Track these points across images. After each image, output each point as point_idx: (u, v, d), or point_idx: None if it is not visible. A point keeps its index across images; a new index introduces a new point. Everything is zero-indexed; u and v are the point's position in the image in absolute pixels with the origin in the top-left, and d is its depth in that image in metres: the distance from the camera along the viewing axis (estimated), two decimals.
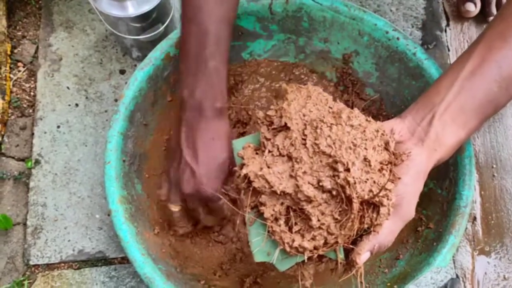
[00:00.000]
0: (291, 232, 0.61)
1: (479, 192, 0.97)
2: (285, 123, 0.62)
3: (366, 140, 0.59)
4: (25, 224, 0.94)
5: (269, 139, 0.63)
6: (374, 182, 0.58)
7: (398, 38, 0.83)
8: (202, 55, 0.70)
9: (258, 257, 0.64)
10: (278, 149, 0.61)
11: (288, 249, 0.61)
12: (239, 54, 0.92)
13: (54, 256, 0.92)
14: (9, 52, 1.04)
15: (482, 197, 0.97)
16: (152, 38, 0.95)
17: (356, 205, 0.57)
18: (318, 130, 0.59)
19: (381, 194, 0.57)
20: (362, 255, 0.60)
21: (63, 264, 0.93)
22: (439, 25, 1.09)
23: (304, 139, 0.60)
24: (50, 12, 1.07)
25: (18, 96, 1.02)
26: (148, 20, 0.91)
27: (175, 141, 0.75)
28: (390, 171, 0.59)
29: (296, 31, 0.89)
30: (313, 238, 0.60)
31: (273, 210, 0.61)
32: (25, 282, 0.90)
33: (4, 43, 1.03)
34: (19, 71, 1.04)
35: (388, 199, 0.58)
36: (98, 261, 0.93)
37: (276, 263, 0.63)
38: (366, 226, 0.59)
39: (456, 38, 1.08)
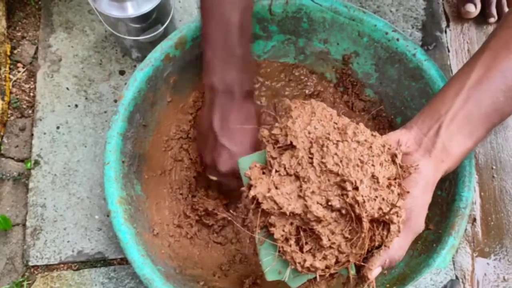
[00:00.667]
0: (302, 252, 0.60)
1: (479, 193, 0.97)
2: (291, 142, 0.60)
3: (373, 156, 0.58)
4: (24, 225, 0.94)
5: (275, 158, 0.61)
6: (383, 199, 0.57)
7: (397, 39, 0.83)
8: (229, 44, 0.75)
9: (270, 277, 0.63)
10: (285, 168, 0.60)
11: (299, 269, 0.60)
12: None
13: (53, 257, 0.92)
14: (8, 53, 1.04)
15: (482, 198, 0.97)
16: (151, 39, 0.94)
17: (366, 224, 0.56)
18: (325, 148, 0.58)
19: (391, 212, 0.57)
20: (374, 271, 0.60)
21: (62, 265, 0.92)
22: (439, 26, 1.09)
23: (311, 158, 0.59)
24: (50, 12, 1.07)
25: (18, 96, 1.02)
26: (148, 20, 0.91)
27: (207, 126, 0.78)
28: (399, 185, 0.59)
29: (295, 32, 0.89)
30: (324, 258, 0.59)
31: (283, 230, 0.60)
32: (24, 283, 0.90)
33: (4, 43, 1.02)
34: (19, 71, 1.03)
35: (398, 216, 0.57)
36: (97, 262, 0.93)
37: (288, 281, 0.63)
38: (377, 243, 0.59)
39: (456, 39, 1.08)
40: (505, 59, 0.62)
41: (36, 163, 0.97)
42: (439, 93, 0.66)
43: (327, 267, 0.59)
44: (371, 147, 0.59)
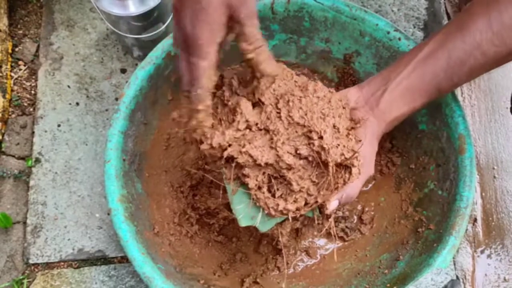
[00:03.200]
0: (274, 198, 0.66)
1: (480, 194, 0.97)
2: (259, 99, 0.66)
3: (332, 109, 0.66)
4: (25, 223, 0.94)
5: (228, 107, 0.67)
6: (344, 146, 0.65)
7: (399, 39, 0.83)
8: None
9: (243, 222, 0.68)
10: (256, 124, 0.66)
11: (273, 212, 0.66)
12: (240, 54, 0.92)
13: (53, 255, 0.92)
14: (10, 51, 1.04)
15: (483, 199, 0.97)
16: (153, 37, 0.94)
17: (332, 168, 0.64)
18: (290, 103, 0.64)
19: (352, 157, 0.65)
20: (332, 202, 0.66)
21: (62, 263, 0.92)
22: (440, 25, 1.08)
23: (279, 112, 0.65)
24: (51, 10, 1.07)
25: (19, 94, 1.02)
26: (149, 19, 0.91)
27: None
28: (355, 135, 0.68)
29: (297, 31, 0.89)
30: (295, 201, 0.66)
31: (256, 180, 0.66)
32: (25, 281, 0.90)
33: (5, 41, 1.02)
34: (20, 69, 1.03)
35: (357, 160, 0.65)
36: (97, 260, 0.93)
37: (259, 226, 0.68)
38: (340, 185, 0.66)
39: None
40: (454, 39, 0.67)
41: (37, 161, 0.97)
42: (394, 62, 0.72)
43: (297, 209, 0.66)
44: (330, 101, 0.67)
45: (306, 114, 0.64)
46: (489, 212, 0.96)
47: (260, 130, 0.66)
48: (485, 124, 1.03)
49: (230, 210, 0.88)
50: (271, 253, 0.88)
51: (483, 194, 0.97)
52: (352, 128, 0.69)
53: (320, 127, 0.64)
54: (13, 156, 0.98)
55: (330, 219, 0.70)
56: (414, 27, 1.08)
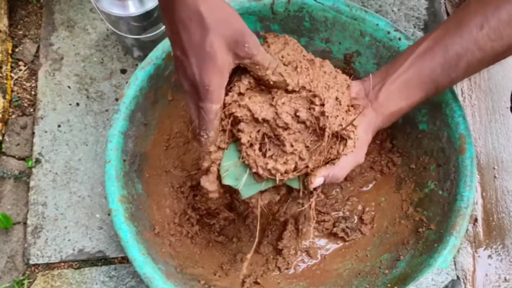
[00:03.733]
0: (265, 157, 0.67)
1: (481, 193, 0.97)
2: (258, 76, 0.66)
3: (337, 84, 0.68)
4: (25, 224, 0.94)
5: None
6: (343, 118, 0.66)
7: (399, 39, 0.83)
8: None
9: (227, 180, 0.68)
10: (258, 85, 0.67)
11: (261, 171, 0.66)
12: None
13: (54, 256, 0.92)
14: (10, 51, 1.04)
15: (484, 199, 0.97)
16: (153, 37, 0.94)
17: (327, 134, 0.65)
18: (298, 69, 0.66)
19: (349, 128, 0.66)
20: (317, 178, 0.67)
21: (63, 264, 0.92)
22: None
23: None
24: (51, 11, 1.07)
25: (19, 95, 1.02)
26: (149, 19, 0.91)
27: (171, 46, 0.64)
28: (355, 111, 0.70)
29: (297, 31, 0.88)
30: (285, 162, 0.66)
31: (250, 136, 0.66)
32: (25, 282, 0.90)
33: (6, 42, 1.02)
34: (20, 70, 1.03)
35: (354, 133, 0.67)
36: (98, 260, 0.93)
37: (242, 189, 0.69)
38: (332, 156, 0.67)
39: None
40: (451, 35, 0.67)
41: (37, 161, 0.97)
42: (395, 58, 0.73)
43: (286, 171, 0.66)
44: (336, 77, 0.69)
45: (312, 81, 0.66)
46: (490, 212, 0.96)
47: (262, 90, 0.67)
48: (486, 124, 1.03)
49: (230, 210, 0.89)
50: (272, 253, 0.88)
51: (484, 194, 0.97)
52: (353, 106, 0.70)
53: (324, 95, 0.65)
54: (13, 156, 0.98)
55: (312, 198, 0.71)
56: (415, 27, 1.08)
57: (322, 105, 0.64)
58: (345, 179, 0.91)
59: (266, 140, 0.67)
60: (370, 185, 0.91)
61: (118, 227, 0.73)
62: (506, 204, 0.97)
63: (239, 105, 0.65)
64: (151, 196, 0.85)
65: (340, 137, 0.67)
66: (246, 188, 0.69)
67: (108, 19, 0.92)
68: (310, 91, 0.65)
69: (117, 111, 0.78)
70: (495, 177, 0.98)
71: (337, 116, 0.66)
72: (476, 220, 0.96)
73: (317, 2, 0.83)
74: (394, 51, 0.84)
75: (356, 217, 0.90)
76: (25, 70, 1.04)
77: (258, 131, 0.66)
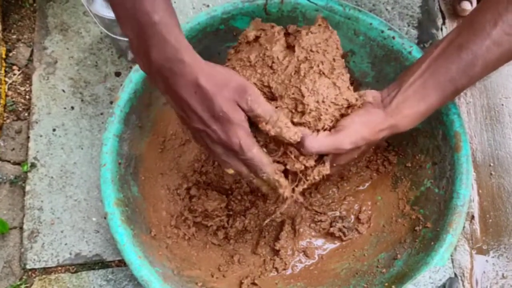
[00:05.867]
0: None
1: (477, 191, 0.97)
2: (293, 45, 0.70)
3: (333, 103, 0.68)
4: (21, 228, 0.93)
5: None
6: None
7: (393, 37, 0.83)
8: (145, 16, 0.60)
9: None
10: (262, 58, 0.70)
11: None
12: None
13: (51, 260, 0.92)
14: (4, 56, 1.03)
15: (480, 196, 0.97)
16: None
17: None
18: (311, 70, 0.68)
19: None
20: (294, 128, 0.66)
21: (60, 268, 0.92)
22: (435, 23, 1.09)
23: (297, 71, 0.68)
24: (45, 15, 1.06)
25: (14, 99, 1.01)
26: None
27: (181, 122, 0.68)
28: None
29: None
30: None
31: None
32: (22, 287, 0.90)
33: None
34: (14, 74, 1.03)
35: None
36: (95, 264, 0.92)
37: None
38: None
39: None
40: (465, 34, 0.67)
41: (33, 165, 0.96)
42: (412, 64, 0.74)
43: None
44: (339, 94, 0.69)
45: (313, 90, 0.67)
46: (486, 209, 0.96)
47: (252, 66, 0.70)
48: (481, 121, 1.03)
49: (228, 211, 0.89)
50: (269, 254, 0.88)
51: (480, 191, 0.97)
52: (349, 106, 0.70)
53: (312, 105, 0.67)
54: (9, 161, 0.98)
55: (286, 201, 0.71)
56: (409, 26, 1.08)
57: (303, 113, 0.67)
58: (341, 178, 0.91)
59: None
60: (367, 184, 0.91)
61: (114, 230, 0.73)
62: (503, 201, 0.97)
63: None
64: (147, 199, 0.85)
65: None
66: None
67: (101, 22, 0.91)
68: (302, 97, 0.66)
69: (112, 114, 0.78)
70: (491, 174, 0.98)
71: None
72: (472, 217, 0.96)
73: (311, 2, 0.83)
74: (388, 50, 0.84)
75: (352, 217, 0.90)
76: (19, 75, 1.03)
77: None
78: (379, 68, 0.87)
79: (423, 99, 0.69)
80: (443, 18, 1.09)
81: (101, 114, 1.00)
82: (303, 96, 0.66)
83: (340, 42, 0.73)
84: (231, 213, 0.89)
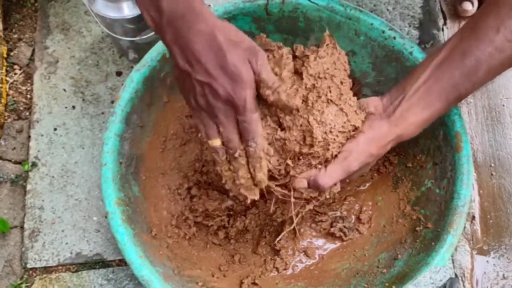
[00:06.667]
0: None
1: (478, 191, 0.97)
2: (300, 71, 0.69)
3: (341, 132, 0.68)
4: (22, 227, 0.94)
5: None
6: (334, 140, 0.68)
7: (394, 38, 0.83)
8: None
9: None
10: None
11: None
12: None
13: (51, 259, 0.92)
14: (5, 55, 1.03)
15: (481, 196, 0.97)
16: (148, 39, 0.94)
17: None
18: (319, 100, 0.67)
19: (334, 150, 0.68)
20: (299, 179, 0.68)
21: (60, 267, 0.92)
22: (436, 24, 1.09)
23: (305, 100, 0.67)
24: (46, 14, 1.07)
25: (15, 99, 1.01)
26: (144, 21, 0.90)
27: (177, 71, 0.65)
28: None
29: (292, 31, 0.88)
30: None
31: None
32: (23, 286, 0.90)
33: (0, 45, 1.02)
34: (16, 73, 1.03)
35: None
36: (95, 263, 0.92)
37: None
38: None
39: None
40: (467, 40, 0.67)
41: (34, 165, 0.96)
42: (413, 69, 0.73)
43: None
44: (346, 121, 0.68)
45: (320, 120, 0.67)
46: (487, 209, 0.96)
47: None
48: (482, 121, 1.03)
49: (229, 210, 0.89)
50: (270, 254, 0.88)
51: (481, 192, 0.97)
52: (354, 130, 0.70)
53: (318, 135, 0.66)
54: (10, 160, 0.98)
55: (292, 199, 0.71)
56: (410, 26, 1.08)
57: (312, 145, 0.66)
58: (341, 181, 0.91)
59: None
60: (367, 184, 0.91)
61: (115, 230, 0.73)
62: (503, 201, 0.97)
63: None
64: (148, 199, 0.85)
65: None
66: None
67: (103, 22, 0.91)
68: (308, 128, 0.66)
69: (113, 114, 0.78)
70: (492, 174, 0.98)
71: (327, 140, 0.67)
72: (473, 218, 0.96)
73: (312, 2, 0.83)
74: (389, 50, 0.84)
75: (353, 217, 0.90)
76: (20, 74, 1.03)
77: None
78: (380, 68, 0.87)
79: (427, 106, 0.69)
80: (444, 19, 1.09)
81: (102, 113, 1.00)
82: (311, 128, 0.66)
83: (348, 62, 0.73)
84: (231, 213, 0.89)
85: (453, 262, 0.93)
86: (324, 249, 0.89)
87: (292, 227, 0.75)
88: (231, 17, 0.84)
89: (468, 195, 0.74)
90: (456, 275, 0.92)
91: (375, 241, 0.86)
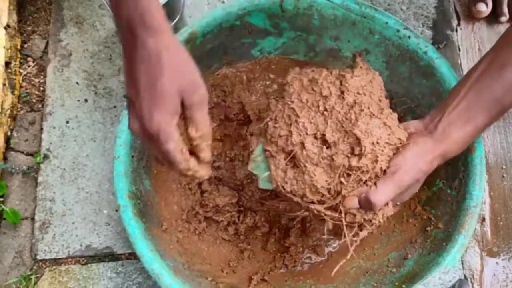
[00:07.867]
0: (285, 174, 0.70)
1: (488, 193, 0.97)
2: (342, 92, 0.69)
3: (388, 143, 0.67)
4: (33, 219, 0.94)
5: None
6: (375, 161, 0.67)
7: (409, 37, 0.82)
8: None
9: (251, 167, 0.74)
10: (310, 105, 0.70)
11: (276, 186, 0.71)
12: (249, 51, 0.92)
13: (61, 251, 0.92)
14: (19, 47, 1.04)
15: (491, 198, 0.97)
16: None
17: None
18: (362, 113, 0.67)
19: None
20: (350, 197, 0.66)
21: (70, 259, 0.93)
22: (450, 24, 1.08)
23: (348, 116, 0.68)
24: (60, 7, 1.07)
25: (28, 91, 1.02)
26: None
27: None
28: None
29: (306, 28, 0.88)
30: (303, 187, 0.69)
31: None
32: (33, 277, 0.91)
33: (14, 38, 1.03)
34: (29, 66, 1.04)
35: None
36: (105, 256, 0.93)
37: (260, 180, 0.74)
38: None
39: (467, 38, 1.08)
40: (505, 51, 0.67)
41: (46, 157, 0.97)
42: (451, 89, 0.73)
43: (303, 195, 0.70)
44: (390, 134, 0.68)
45: (366, 131, 0.67)
46: (498, 211, 0.96)
47: (312, 107, 0.70)
48: (494, 123, 1.02)
49: (239, 206, 0.89)
50: (279, 250, 0.88)
51: (492, 193, 0.97)
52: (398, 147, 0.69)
53: (368, 148, 0.66)
54: (22, 152, 0.98)
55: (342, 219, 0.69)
56: (423, 26, 1.07)
57: (360, 156, 0.66)
58: None
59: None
60: None
61: (126, 223, 0.74)
62: None
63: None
64: (159, 193, 0.86)
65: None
66: (264, 182, 0.73)
67: None
68: (357, 141, 0.66)
69: (126, 107, 0.78)
70: (503, 176, 0.98)
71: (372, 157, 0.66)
72: (483, 219, 0.95)
73: (327, 0, 0.83)
74: (403, 49, 0.84)
75: None
76: (33, 66, 1.04)
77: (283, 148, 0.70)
78: (393, 67, 0.87)
79: (468, 121, 0.68)
80: (458, 20, 1.09)
81: (114, 107, 1.00)
82: (358, 139, 0.66)
83: (383, 83, 0.74)
84: (241, 209, 0.90)
85: (462, 264, 0.93)
86: (334, 247, 0.89)
87: (349, 257, 0.72)
88: (246, 13, 0.84)
89: (481, 196, 0.74)
90: (465, 276, 0.92)
91: (385, 240, 0.86)
